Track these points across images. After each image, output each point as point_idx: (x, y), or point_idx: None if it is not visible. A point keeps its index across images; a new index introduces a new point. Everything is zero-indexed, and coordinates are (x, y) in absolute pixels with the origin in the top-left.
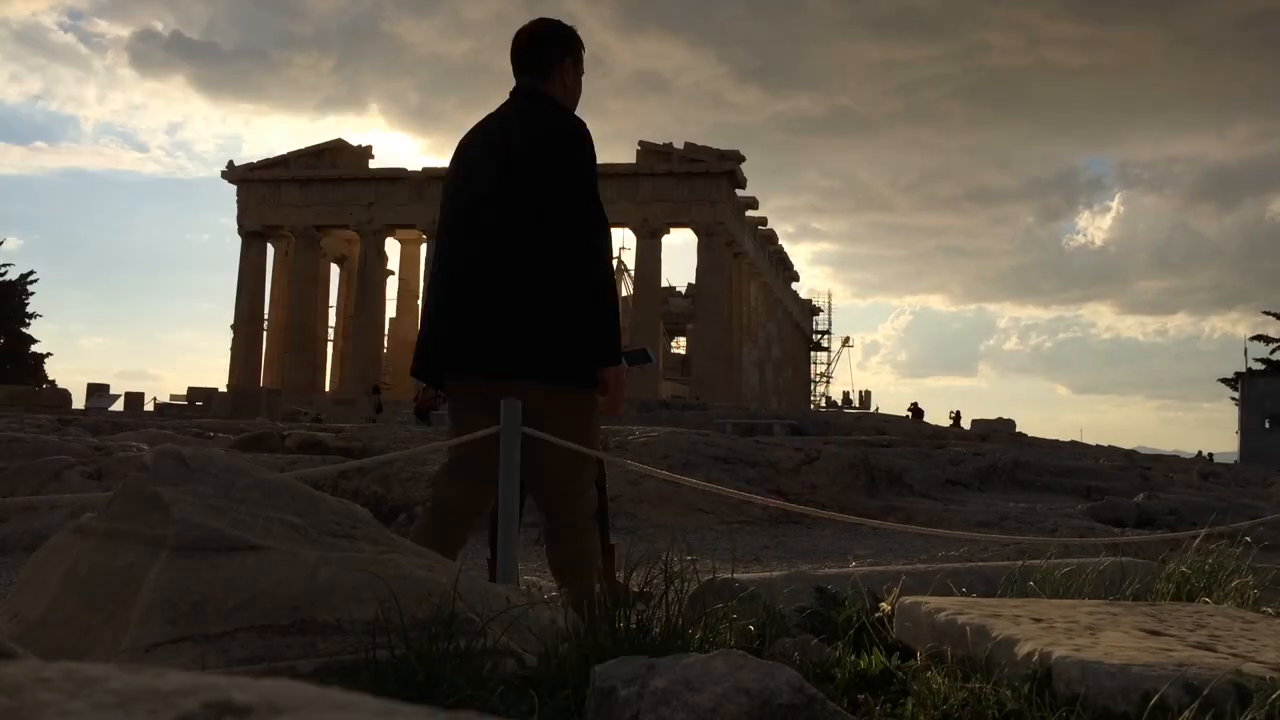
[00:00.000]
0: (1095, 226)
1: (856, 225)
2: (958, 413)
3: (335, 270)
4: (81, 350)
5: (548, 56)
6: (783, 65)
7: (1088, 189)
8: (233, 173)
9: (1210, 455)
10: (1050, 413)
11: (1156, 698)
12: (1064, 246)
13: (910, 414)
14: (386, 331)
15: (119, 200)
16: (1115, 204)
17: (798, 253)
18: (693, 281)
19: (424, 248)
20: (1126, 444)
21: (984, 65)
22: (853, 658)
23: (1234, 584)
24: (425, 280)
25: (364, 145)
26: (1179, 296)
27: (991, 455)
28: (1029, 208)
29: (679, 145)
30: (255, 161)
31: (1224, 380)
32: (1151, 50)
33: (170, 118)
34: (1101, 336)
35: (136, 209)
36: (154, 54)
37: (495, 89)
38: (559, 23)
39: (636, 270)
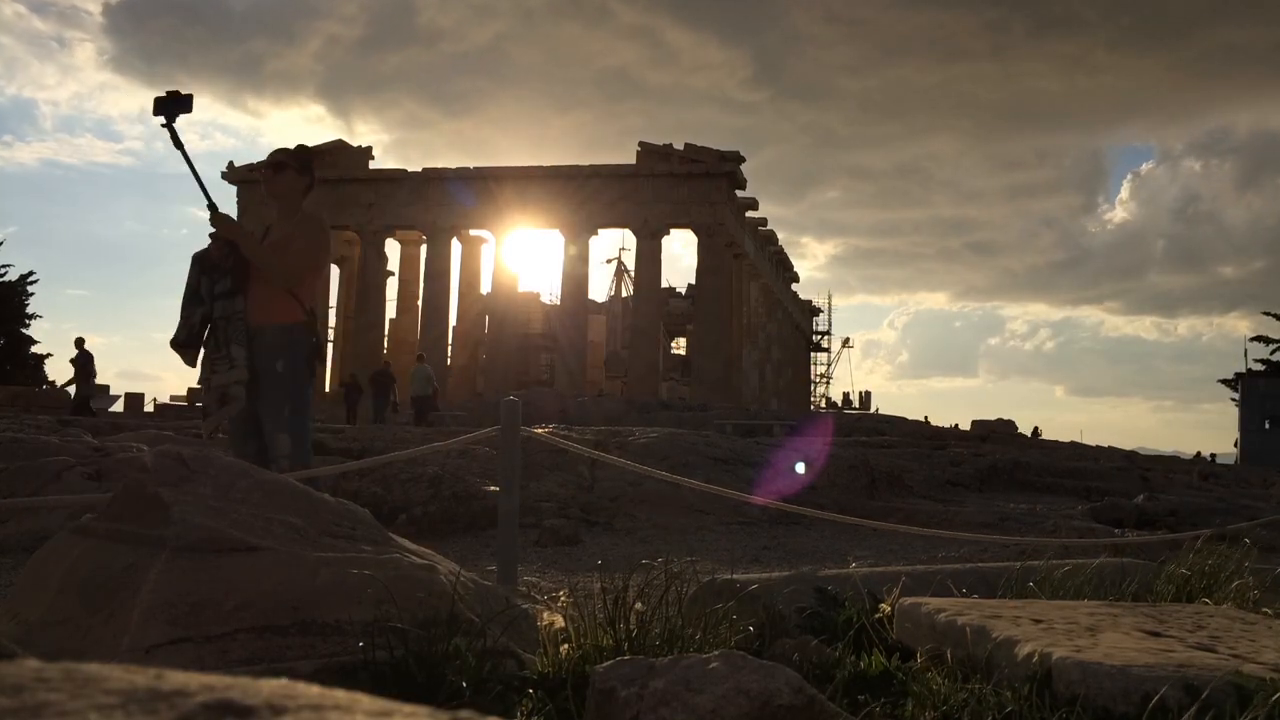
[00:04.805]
0: (1111, 225)
1: (875, 223)
2: (957, 425)
3: (335, 271)
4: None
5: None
6: (811, 70)
7: (1110, 186)
8: (233, 174)
9: (1213, 456)
10: (1050, 413)
11: (1157, 699)
12: (1081, 245)
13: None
14: (386, 332)
15: (94, 194)
16: (1132, 203)
17: (816, 252)
18: (693, 282)
19: (424, 249)
20: (1126, 445)
21: (1015, 82)
22: (853, 658)
23: (1234, 585)
24: (423, 283)
25: (364, 146)
26: (1190, 295)
27: (991, 456)
28: (1054, 205)
29: (679, 146)
30: (255, 162)
31: (1224, 381)
32: (1155, 69)
33: (143, 102)
34: (1107, 336)
35: (113, 202)
36: (116, 31)
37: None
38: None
39: (636, 271)
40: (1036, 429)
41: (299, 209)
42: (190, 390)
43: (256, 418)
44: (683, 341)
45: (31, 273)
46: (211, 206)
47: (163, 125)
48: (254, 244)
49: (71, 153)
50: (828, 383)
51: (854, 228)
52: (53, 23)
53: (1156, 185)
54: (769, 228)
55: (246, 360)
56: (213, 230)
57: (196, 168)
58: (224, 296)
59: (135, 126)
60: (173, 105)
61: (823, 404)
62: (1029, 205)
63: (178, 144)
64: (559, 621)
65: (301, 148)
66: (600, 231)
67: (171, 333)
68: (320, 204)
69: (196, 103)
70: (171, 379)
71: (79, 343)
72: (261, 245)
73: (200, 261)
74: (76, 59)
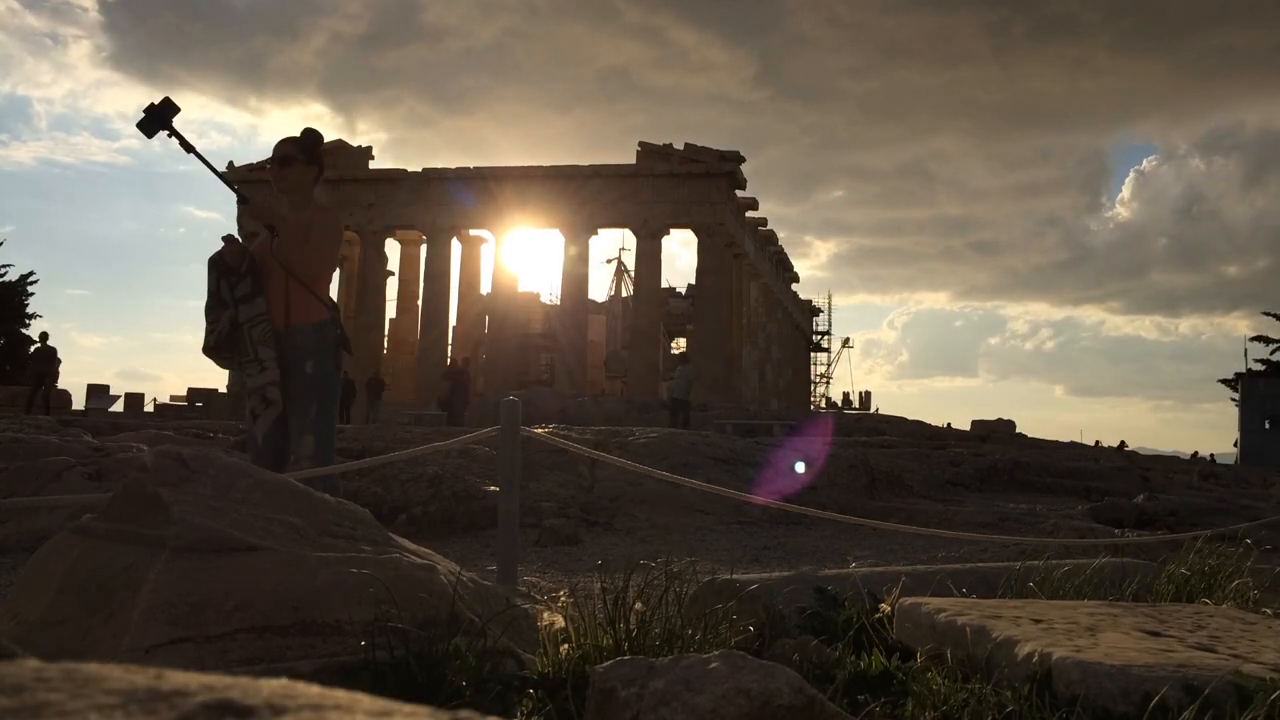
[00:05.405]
0: (1114, 224)
1: (879, 222)
2: (949, 424)
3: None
4: (79, 349)
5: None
6: (814, 73)
7: (1114, 186)
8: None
9: (1212, 456)
10: (1050, 413)
11: (1157, 699)
12: (1083, 244)
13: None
14: (386, 332)
15: (92, 193)
16: (1135, 202)
17: (820, 251)
18: (693, 282)
19: (424, 249)
20: (1126, 445)
21: (1017, 84)
22: (853, 658)
23: (1234, 585)
24: (423, 281)
25: (364, 146)
26: (1193, 294)
27: (991, 456)
28: (1058, 204)
29: (679, 146)
30: (255, 162)
31: (1224, 381)
32: (1157, 70)
33: (141, 100)
34: (1108, 335)
35: (110, 202)
36: (114, 29)
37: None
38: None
39: (636, 271)
40: (1091, 441)
41: (311, 200)
42: (190, 390)
43: (279, 415)
44: (683, 341)
45: (31, 273)
46: (242, 198)
47: (168, 136)
48: (289, 228)
49: (68, 151)
50: (828, 383)
51: (858, 227)
52: (46, 19)
53: (1160, 183)
54: (770, 227)
55: (276, 360)
56: (226, 235)
57: (213, 164)
58: (245, 300)
59: (132, 125)
60: (162, 114)
61: (823, 404)
62: (1033, 205)
63: (188, 148)
64: (559, 621)
65: (308, 132)
66: (600, 231)
67: (166, 332)
68: None
69: (195, 101)
70: (171, 379)
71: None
72: (306, 237)
73: (216, 265)
74: (71, 56)
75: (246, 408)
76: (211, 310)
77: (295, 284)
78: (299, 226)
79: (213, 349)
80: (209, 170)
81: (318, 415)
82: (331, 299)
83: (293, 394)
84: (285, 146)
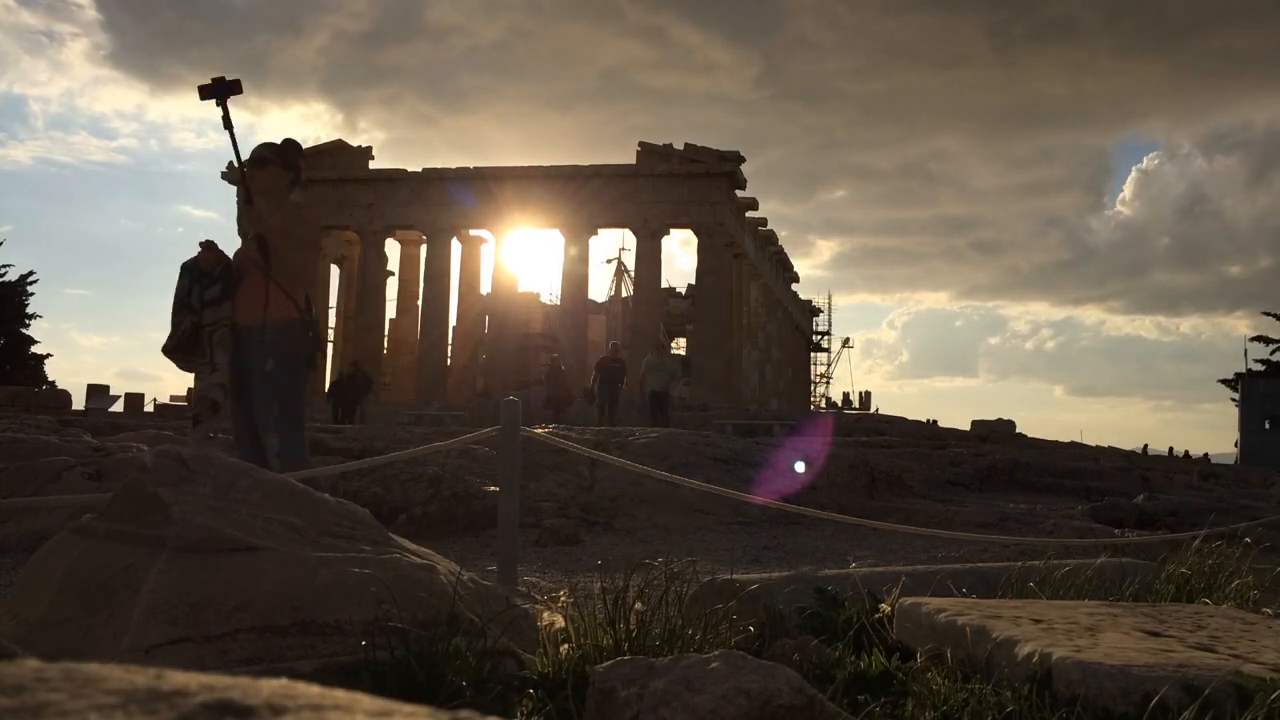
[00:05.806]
0: (1116, 223)
1: (882, 222)
2: (933, 421)
3: (335, 271)
4: (78, 349)
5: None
6: (816, 74)
7: (1116, 185)
8: (233, 174)
9: (1206, 455)
10: (1050, 413)
11: (1157, 699)
12: (1085, 244)
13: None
14: (386, 332)
15: (89, 192)
16: (1136, 201)
17: (823, 250)
18: (693, 282)
19: (424, 249)
20: (1127, 445)
21: (1019, 85)
22: (853, 658)
23: (1234, 585)
24: (423, 281)
25: (364, 146)
26: (1195, 294)
27: (991, 456)
28: (1060, 204)
29: (679, 146)
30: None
31: (1224, 381)
32: (1159, 71)
33: (138, 99)
34: (1108, 335)
35: (108, 201)
36: (113, 27)
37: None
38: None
39: (636, 271)
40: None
41: (285, 203)
42: (190, 391)
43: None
44: (683, 341)
45: (31, 272)
46: (249, 200)
47: (216, 105)
48: (278, 239)
49: (65, 151)
50: (828, 383)
51: (860, 227)
52: (42, 16)
53: (1162, 182)
54: (770, 228)
55: (230, 364)
56: (203, 240)
57: (240, 151)
58: (213, 303)
59: (130, 124)
60: (223, 89)
61: (823, 404)
62: (1035, 204)
63: (228, 125)
64: (559, 621)
65: (288, 141)
66: (600, 231)
67: (165, 332)
68: (320, 204)
69: (194, 100)
70: (171, 379)
71: None
72: (284, 238)
73: (189, 270)
74: (67, 55)
75: (190, 413)
76: (177, 314)
77: (272, 283)
78: (273, 228)
79: (171, 350)
80: (235, 154)
81: (280, 414)
82: (307, 299)
83: (256, 392)
84: (262, 149)
